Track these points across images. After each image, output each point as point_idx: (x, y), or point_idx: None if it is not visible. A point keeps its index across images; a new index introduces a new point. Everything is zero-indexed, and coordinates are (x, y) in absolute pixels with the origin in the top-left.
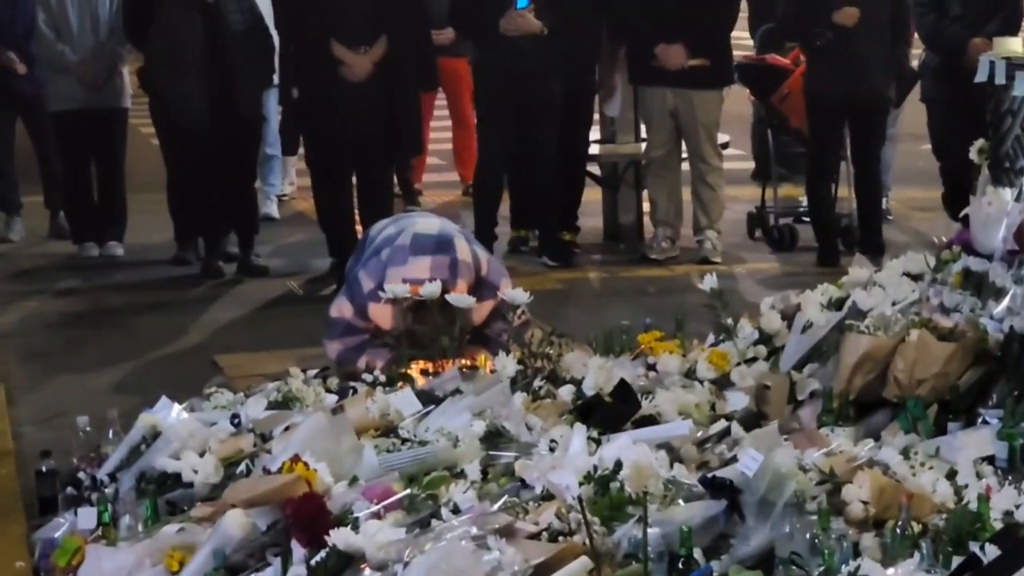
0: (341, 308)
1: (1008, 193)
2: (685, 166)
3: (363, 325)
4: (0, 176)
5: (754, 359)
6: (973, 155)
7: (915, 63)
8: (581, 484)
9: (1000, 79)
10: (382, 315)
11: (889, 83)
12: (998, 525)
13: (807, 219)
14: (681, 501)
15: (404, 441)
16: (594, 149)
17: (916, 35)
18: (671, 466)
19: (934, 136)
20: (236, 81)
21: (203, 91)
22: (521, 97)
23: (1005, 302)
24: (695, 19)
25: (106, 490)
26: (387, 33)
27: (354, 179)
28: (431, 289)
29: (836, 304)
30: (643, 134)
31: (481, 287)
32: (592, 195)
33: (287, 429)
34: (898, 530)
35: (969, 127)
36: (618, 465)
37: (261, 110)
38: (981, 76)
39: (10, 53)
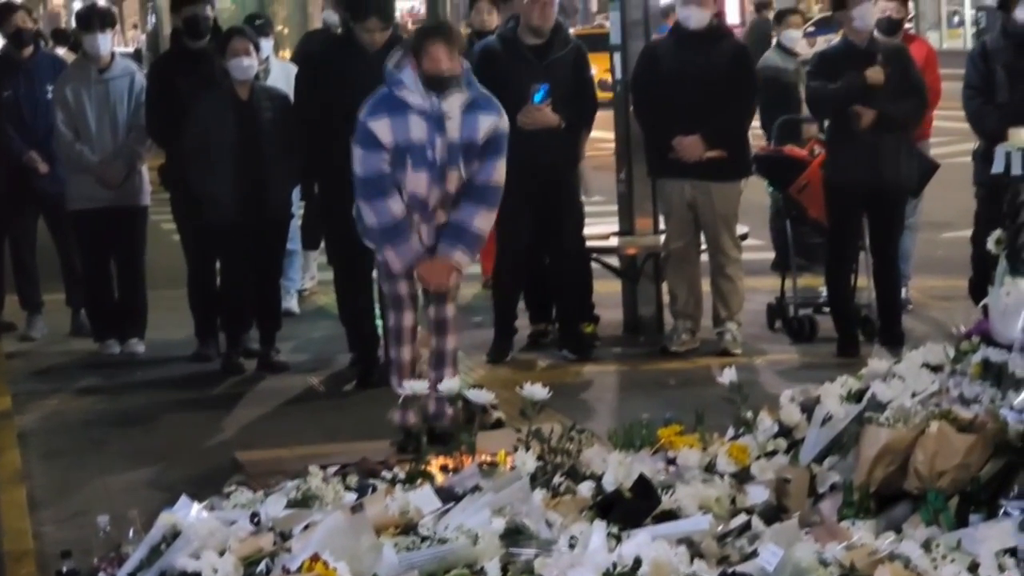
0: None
1: None
2: (704, 257)
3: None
4: (22, 274)
5: (774, 452)
6: (991, 245)
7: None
8: None
9: (1016, 170)
10: (383, 129)
11: (908, 173)
12: None
13: (827, 310)
14: None
15: (424, 539)
16: (613, 241)
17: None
18: (691, 561)
19: (978, 221)
20: (267, 179)
21: (234, 189)
22: (539, 191)
23: None
24: (712, 111)
25: None
26: None
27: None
28: (450, 386)
29: (856, 396)
30: (662, 226)
31: None
32: (612, 287)
33: (307, 527)
34: None
35: None
36: (637, 562)
37: (290, 208)
38: (997, 167)
39: (32, 152)
